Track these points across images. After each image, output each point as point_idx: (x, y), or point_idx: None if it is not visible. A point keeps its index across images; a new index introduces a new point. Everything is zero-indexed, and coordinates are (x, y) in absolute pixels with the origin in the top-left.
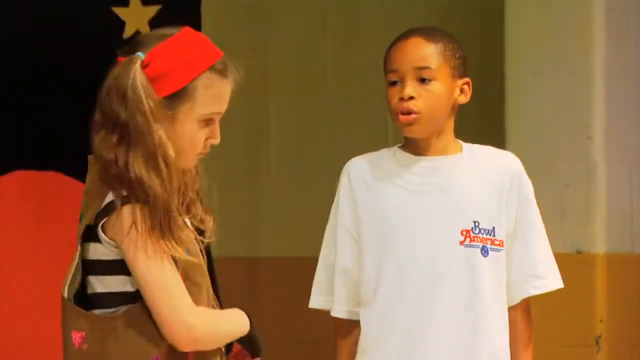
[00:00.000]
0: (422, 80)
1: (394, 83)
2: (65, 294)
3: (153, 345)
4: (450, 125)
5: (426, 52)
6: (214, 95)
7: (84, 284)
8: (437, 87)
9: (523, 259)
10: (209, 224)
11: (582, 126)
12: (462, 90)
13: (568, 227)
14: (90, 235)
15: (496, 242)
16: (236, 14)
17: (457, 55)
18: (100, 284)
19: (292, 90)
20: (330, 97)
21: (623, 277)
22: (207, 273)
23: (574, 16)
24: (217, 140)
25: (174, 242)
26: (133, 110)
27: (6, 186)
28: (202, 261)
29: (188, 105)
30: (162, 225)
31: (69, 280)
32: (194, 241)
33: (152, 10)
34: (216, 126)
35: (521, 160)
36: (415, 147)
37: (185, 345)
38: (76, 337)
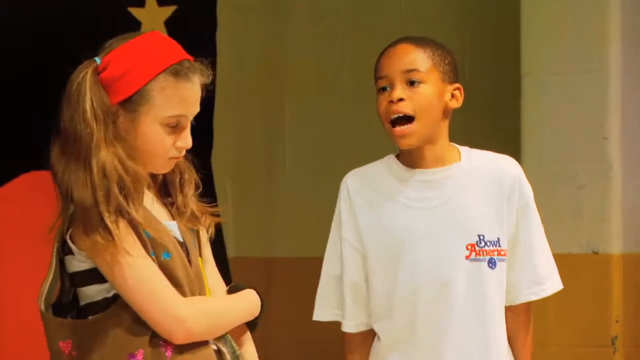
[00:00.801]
0: (412, 83)
1: (383, 89)
2: (42, 307)
3: (129, 344)
4: (444, 130)
5: (414, 56)
6: (171, 97)
7: (76, 297)
8: (427, 89)
9: (524, 264)
10: (205, 222)
11: (598, 127)
12: (453, 95)
13: (584, 228)
14: (66, 248)
15: (502, 252)
16: (252, 14)
17: (447, 61)
18: (84, 295)
19: (307, 89)
20: (346, 96)
21: (639, 277)
22: (190, 274)
23: (590, 16)
24: (187, 145)
25: (118, 244)
26: (75, 116)
27: (21, 187)
28: (184, 261)
29: (145, 108)
30: (100, 229)
31: (44, 293)
32: (173, 243)
33: (168, 10)
34: (186, 130)
35: (537, 161)
36: (410, 157)
37: (180, 339)
38: (64, 346)
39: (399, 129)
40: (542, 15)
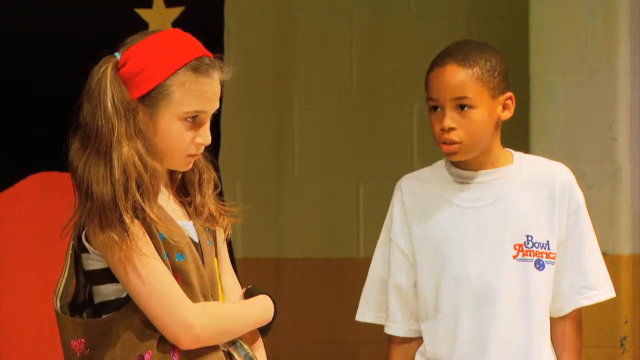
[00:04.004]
0: (462, 107)
1: (434, 108)
2: (58, 307)
3: (139, 345)
4: (496, 140)
5: (463, 80)
6: (191, 92)
7: (91, 294)
8: (477, 114)
9: (574, 270)
10: (223, 223)
11: (607, 127)
12: (505, 106)
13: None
14: (81, 246)
15: (551, 255)
16: (259, 14)
17: (496, 73)
18: (99, 294)
19: (316, 90)
20: (355, 97)
21: None
22: (203, 276)
23: (599, 17)
24: (206, 142)
25: (132, 241)
26: (97, 111)
27: (29, 188)
28: (198, 262)
29: (164, 103)
30: (116, 225)
31: (59, 292)
32: (188, 244)
33: (176, 11)
34: (205, 127)
35: None
36: (464, 163)
37: (187, 344)
38: (77, 345)
39: (446, 146)
40: (551, 16)
